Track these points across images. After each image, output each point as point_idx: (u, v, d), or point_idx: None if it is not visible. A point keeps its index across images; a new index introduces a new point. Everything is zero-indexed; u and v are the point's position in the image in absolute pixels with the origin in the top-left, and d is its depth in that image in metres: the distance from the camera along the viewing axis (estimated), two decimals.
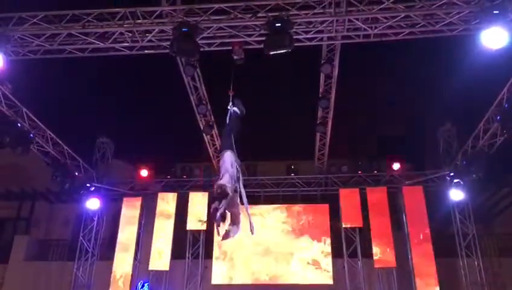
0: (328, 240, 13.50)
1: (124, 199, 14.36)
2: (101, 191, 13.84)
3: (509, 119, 9.68)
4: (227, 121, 6.16)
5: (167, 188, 14.64)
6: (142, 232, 14.10)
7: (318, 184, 14.41)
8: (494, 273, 13.07)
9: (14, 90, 10.55)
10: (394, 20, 8.19)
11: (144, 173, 14.57)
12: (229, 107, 6.27)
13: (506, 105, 9.82)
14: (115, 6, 8.47)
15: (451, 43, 9.59)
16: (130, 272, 13.39)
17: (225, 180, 5.14)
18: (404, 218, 13.27)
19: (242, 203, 5.35)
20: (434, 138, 13.70)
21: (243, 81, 7.25)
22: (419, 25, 8.29)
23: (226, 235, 5.03)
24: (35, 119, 11.55)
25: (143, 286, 13.39)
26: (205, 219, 13.51)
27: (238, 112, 6.25)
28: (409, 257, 12.80)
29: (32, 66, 9.87)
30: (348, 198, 13.61)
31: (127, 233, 13.90)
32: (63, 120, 13.17)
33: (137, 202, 14.29)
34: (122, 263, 13.52)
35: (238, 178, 5.39)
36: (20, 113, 11.05)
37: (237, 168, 5.44)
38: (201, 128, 12.47)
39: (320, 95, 11.18)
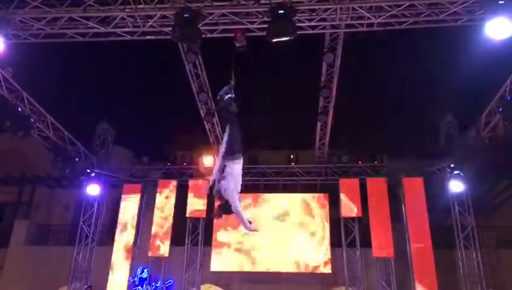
0: (328, 229, 13.57)
1: (124, 185, 14.39)
2: (101, 177, 13.87)
3: (511, 112, 9.66)
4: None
5: (167, 176, 14.65)
6: (141, 219, 14.16)
7: (318, 174, 14.41)
8: (491, 265, 13.11)
9: (14, 75, 10.51)
10: (398, 9, 8.14)
11: None
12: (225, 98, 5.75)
13: (509, 97, 9.80)
14: None
15: (455, 34, 9.51)
16: (130, 258, 13.49)
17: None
18: (403, 208, 13.29)
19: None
20: (436, 129, 13.68)
21: (245, 69, 7.20)
22: (423, 15, 8.24)
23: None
24: (36, 104, 11.54)
25: (142, 271, 13.46)
26: (204, 207, 13.57)
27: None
28: (407, 247, 12.84)
29: (33, 50, 9.82)
30: (348, 188, 13.61)
31: (127, 219, 13.95)
32: (64, 105, 13.14)
33: (137, 188, 14.32)
34: (122, 248, 13.61)
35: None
36: (20, 98, 11.04)
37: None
38: (202, 116, 12.44)
39: (321, 85, 11.13)
